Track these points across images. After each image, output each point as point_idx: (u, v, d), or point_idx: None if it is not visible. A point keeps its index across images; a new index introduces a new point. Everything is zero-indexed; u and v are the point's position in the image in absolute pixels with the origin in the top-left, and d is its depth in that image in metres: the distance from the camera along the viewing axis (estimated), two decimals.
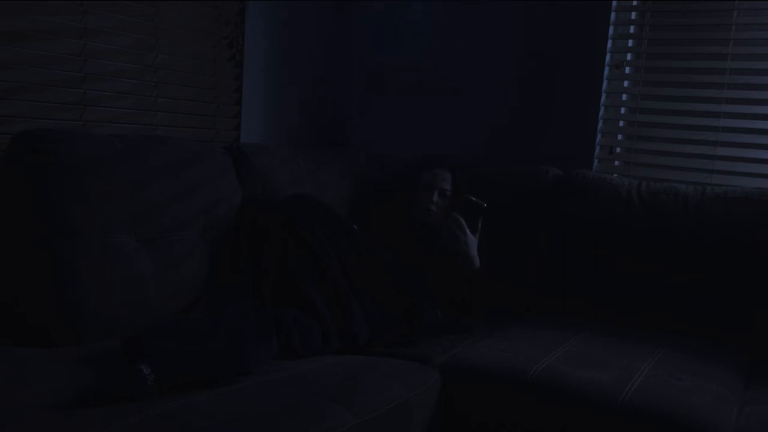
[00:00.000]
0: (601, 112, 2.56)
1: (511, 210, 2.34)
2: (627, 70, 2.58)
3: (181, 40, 2.31)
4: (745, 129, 2.35)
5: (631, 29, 2.54)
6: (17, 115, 1.88)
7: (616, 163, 2.59)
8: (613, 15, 2.51)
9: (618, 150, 2.59)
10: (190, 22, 2.33)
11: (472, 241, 2.13)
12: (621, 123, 2.59)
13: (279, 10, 2.66)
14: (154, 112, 2.25)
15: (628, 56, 2.58)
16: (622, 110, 2.59)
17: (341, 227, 2.03)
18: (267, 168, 2.23)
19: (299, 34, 2.79)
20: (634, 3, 2.54)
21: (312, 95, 2.92)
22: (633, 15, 2.54)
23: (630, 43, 2.57)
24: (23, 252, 1.64)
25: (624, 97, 2.58)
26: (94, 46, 2.04)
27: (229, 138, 2.54)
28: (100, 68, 2.07)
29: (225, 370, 1.44)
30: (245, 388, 1.41)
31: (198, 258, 1.92)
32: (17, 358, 1.48)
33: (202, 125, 2.44)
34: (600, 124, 2.56)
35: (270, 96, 2.70)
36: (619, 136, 2.59)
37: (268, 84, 2.68)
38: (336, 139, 2.99)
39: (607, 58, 2.53)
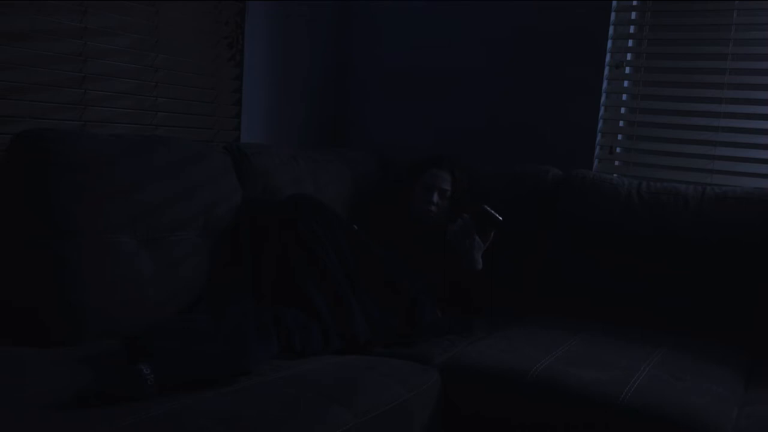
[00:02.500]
0: (601, 112, 2.56)
1: (511, 210, 2.34)
2: (627, 70, 2.58)
3: (181, 40, 2.31)
4: (745, 129, 2.35)
5: (631, 29, 2.54)
6: (17, 115, 1.88)
7: (616, 163, 2.60)
8: (613, 15, 2.51)
9: (618, 150, 2.59)
10: (190, 22, 2.33)
11: (479, 245, 2.13)
12: (621, 123, 2.59)
13: (279, 10, 2.65)
14: (154, 112, 2.25)
15: (628, 56, 2.58)
16: (622, 110, 2.59)
17: (341, 227, 2.03)
18: (267, 168, 2.23)
19: (299, 34, 2.79)
20: (634, 3, 2.54)
21: (312, 95, 2.92)
22: (633, 15, 2.54)
23: (630, 43, 2.57)
24: (23, 252, 1.64)
25: (624, 97, 2.59)
26: (94, 46, 2.04)
27: (229, 138, 2.54)
28: (100, 68, 2.07)
29: (225, 370, 1.44)
30: (245, 388, 1.42)
31: (198, 258, 1.92)
32: (17, 358, 1.48)
33: (202, 125, 2.44)
34: (600, 124, 2.56)
35: (270, 96, 2.70)
36: (619, 136, 2.59)
37: (268, 84, 2.68)
38: (336, 139, 2.99)
39: (607, 58, 2.53)
